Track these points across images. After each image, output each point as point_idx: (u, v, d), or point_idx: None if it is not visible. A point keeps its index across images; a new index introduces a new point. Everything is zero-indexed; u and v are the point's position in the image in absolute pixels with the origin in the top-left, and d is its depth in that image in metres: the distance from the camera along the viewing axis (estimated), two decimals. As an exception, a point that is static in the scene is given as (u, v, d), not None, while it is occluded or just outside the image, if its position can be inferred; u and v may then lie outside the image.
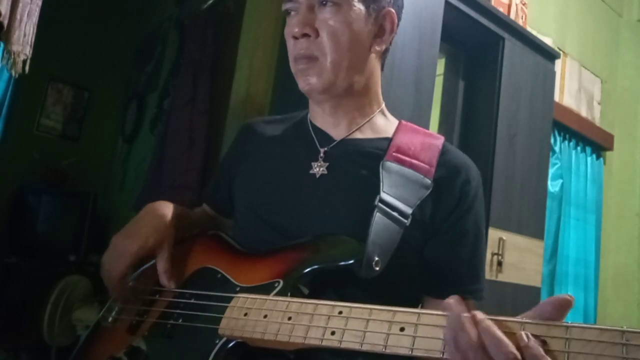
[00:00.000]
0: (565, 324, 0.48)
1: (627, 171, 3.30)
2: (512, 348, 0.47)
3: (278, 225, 0.81)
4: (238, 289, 0.73)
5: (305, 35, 0.79)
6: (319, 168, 0.82)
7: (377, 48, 0.84)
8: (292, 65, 0.83)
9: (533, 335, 0.48)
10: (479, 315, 0.51)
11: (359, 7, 0.79)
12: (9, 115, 3.03)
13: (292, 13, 0.81)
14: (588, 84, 3.17)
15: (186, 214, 0.94)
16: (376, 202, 0.74)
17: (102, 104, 3.47)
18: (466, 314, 0.51)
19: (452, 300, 0.53)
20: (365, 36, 0.81)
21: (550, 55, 2.29)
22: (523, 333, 0.48)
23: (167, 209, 0.87)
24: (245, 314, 0.67)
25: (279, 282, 0.70)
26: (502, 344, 0.48)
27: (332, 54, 0.78)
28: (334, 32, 0.78)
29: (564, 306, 0.49)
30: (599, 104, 3.25)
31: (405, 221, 0.74)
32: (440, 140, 0.85)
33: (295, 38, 0.80)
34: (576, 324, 0.47)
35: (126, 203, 2.85)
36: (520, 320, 0.50)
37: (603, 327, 0.46)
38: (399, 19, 0.86)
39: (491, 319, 0.51)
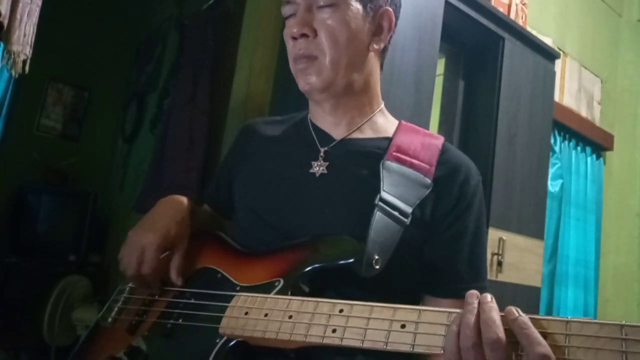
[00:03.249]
0: (565, 318, 0.48)
1: (627, 171, 3.30)
2: (500, 331, 0.49)
3: (278, 225, 0.81)
4: (238, 288, 0.73)
5: (303, 35, 0.80)
6: (319, 167, 0.82)
7: (376, 46, 0.84)
8: (291, 66, 0.84)
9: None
10: (487, 296, 0.53)
11: (356, 6, 0.80)
12: (9, 115, 3.03)
13: (291, 15, 0.82)
14: (588, 84, 3.17)
15: (197, 209, 0.94)
16: (376, 201, 0.74)
17: (102, 104, 3.47)
18: (477, 301, 0.53)
19: (473, 292, 0.55)
20: (363, 35, 0.82)
21: (550, 55, 2.30)
22: (513, 308, 0.50)
23: (183, 202, 0.88)
24: (246, 313, 0.67)
25: (279, 281, 0.70)
26: (494, 324, 0.50)
27: (331, 53, 0.79)
28: (332, 31, 0.79)
29: None
30: (599, 104, 3.25)
31: (406, 220, 0.74)
32: (440, 140, 0.85)
33: (294, 39, 0.81)
34: (576, 319, 0.48)
35: (126, 203, 2.85)
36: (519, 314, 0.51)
37: (602, 321, 0.46)
38: (397, 17, 0.87)
39: None
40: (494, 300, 0.52)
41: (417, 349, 0.54)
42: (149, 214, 0.86)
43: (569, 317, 0.48)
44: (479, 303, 0.52)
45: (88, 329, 0.88)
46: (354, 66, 0.82)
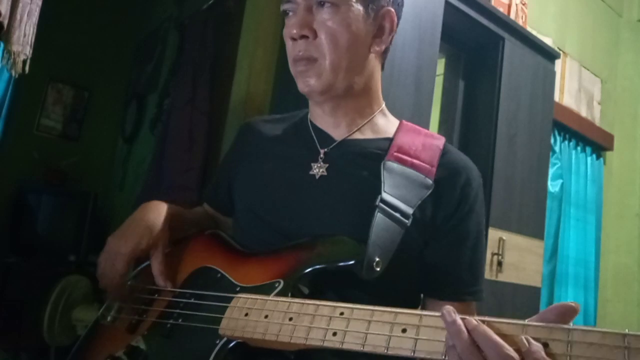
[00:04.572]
0: (567, 326, 0.48)
1: (627, 171, 3.30)
2: (511, 351, 0.47)
3: (278, 225, 0.81)
4: (238, 289, 0.73)
5: (303, 36, 0.78)
6: (318, 169, 0.82)
7: (377, 48, 0.83)
8: (291, 67, 0.83)
9: (534, 338, 0.48)
10: (473, 321, 0.50)
11: (358, 7, 0.79)
12: (9, 115, 3.03)
13: (290, 14, 0.81)
14: (588, 84, 3.17)
15: (181, 213, 0.93)
16: (377, 202, 0.74)
17: (102, 104, 3.47)
18: (459, 320, 0.51)
19: (447, 308, 0.52)
20: (364, 36, 0.81)
21: (550, 55, 2.29)
22: (523, 338, 0.47)
23: (161, 209, 0.87)
24: (246, 314, 0.66)
25: (279, 282, 0.70)
26: (498, 347, 0.47)
27: (331, 55, 0.78)
28: (333, 33, 0.78)
29: (569, 313, 0.48)
30: (599, 104, 3.25)
31: (407, 221, 0.73)
32: (441, 141, 0.85)
33: (294, 39, 0.80)
34: (578, 327, 0.47)
35: (126, 203, 2.85)
36: (521, 322, 0.50)
37: (605, 330, 0.45)
38: (399, 17, 0.86)
39: (493, 321, 0.50)
40: (479, 320, 0.50)
41: (418, 354, 0.53)
42: (127, 221, 0.86)
43: (572, 324, 0.48)
44: (468, 329, 0.50)
45: (88, 328, 0.88)
46: (355, 69, 0.81)
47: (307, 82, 0.80)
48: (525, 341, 0.47)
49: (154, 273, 0.81)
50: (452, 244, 0.78)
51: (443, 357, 0.52)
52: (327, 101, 0.84)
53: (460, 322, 0.50)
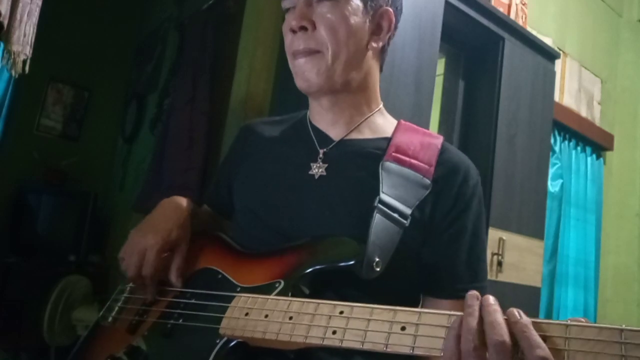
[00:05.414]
0: (564, 322, 0.48)
1: (627, 171, 3.30)
2: (506, 333, 0.49)
3: (277, 226, 0.81)
4: (239, 289, 0.73)
5: (302, 28, 0.79)
6: (317, 169, 0.82)
7: (374, 45, 0.84)
8: (290, 61, 0.83)
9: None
10: (489, 298, 0.52)
11: (357, 2, 0.80)
12: (9, 115, 3.04)
13: (291, 9, 0.82)
14: (588, 84, 3.17)
15: (197, 211, 0.94)
16: (375, 203, 0.74)
17: (102, 104, 3.47)
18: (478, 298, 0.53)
19: (473, 292, 0.54)
20: (363, 32, 0.81)
21: (550, 55, 2.30)
22: (515, 310, 0.50)
23: (184, 204, 0.88)
24: (246, 314, 0.67)
25: (280, 282, 0.70)
26: (500, 327, 0.49)
27: (332, 47, 0.79)
28: (332, 25, 0.78)
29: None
30: (599, 104, 3.25)
31: (405, 222, 0.74)
32: (439, 140, 0.85)
33: (293, 31, 0.80)
34: (575, 323, 0.47)
35: (126, 203, 2.85)
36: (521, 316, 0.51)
37: (602, 325, 0.46)
38: (397, 20, 0.87)
39: None
40: (497, 302, 0.52)
41: (417, 351, 0.53)
42: (151, 215, 0.86)
43: (569, 319, 0.48)
44: (481, 305, 0.52)
45: (88, 329, 0.88)
46: (353, 63, 0.81)
47: (305, 77, 0.81)
48: (516, 313, 0.50)
49: (173, 266, 0.81)
50: (448, 242, 0.78)
51: (441, 353, 0.52)
52: (326, 95, 0.84)
53: (476, 305, 0.52)
